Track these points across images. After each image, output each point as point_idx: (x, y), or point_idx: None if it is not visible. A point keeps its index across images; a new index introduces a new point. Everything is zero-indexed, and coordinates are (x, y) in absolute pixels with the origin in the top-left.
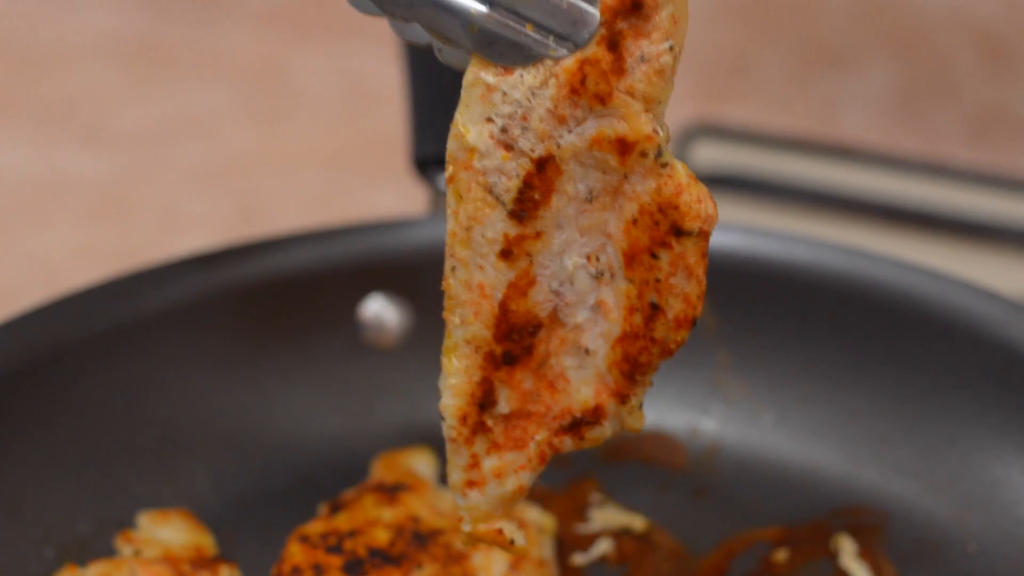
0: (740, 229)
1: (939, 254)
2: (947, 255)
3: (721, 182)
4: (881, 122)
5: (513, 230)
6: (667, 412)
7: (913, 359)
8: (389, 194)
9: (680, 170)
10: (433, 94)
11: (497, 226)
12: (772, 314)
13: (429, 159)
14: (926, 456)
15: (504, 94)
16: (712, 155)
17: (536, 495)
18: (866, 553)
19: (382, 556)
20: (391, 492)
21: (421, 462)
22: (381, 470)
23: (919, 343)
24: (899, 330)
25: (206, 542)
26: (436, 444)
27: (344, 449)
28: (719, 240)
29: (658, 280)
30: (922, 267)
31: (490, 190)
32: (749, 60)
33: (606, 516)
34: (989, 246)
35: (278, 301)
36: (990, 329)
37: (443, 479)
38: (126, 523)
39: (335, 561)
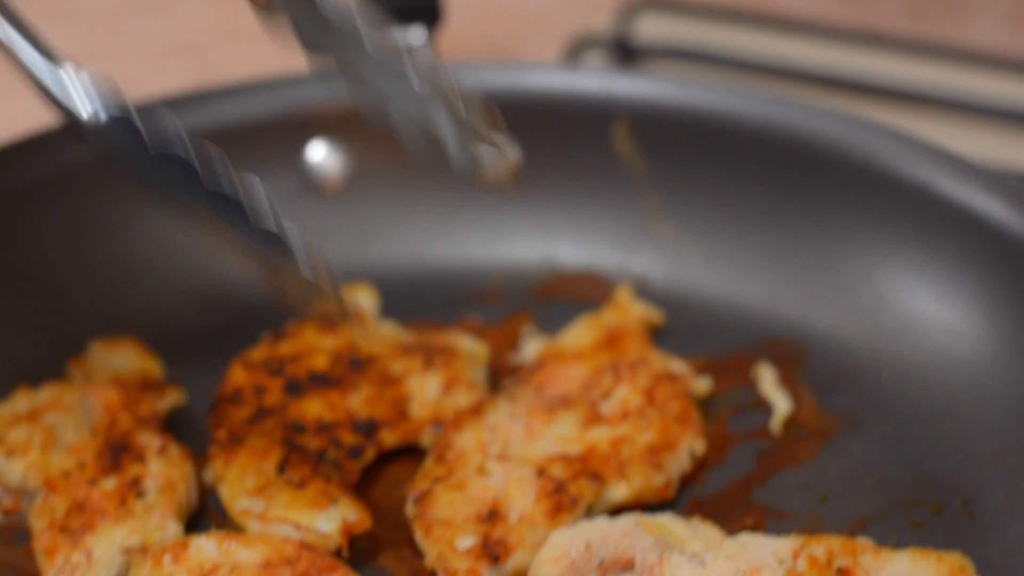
0: (667, 80)
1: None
2: (886, 122)
3: (666, 54)
4: None
5: None
6: (597, 253)
7: (833, 200)
8: None
9: None
10: None
11: None
12: (699, 160)
13: None
14: (844, 292)
15: None
16: (657, 28)
17: (471, 328)
18: (785, 381)
19: (321, 379)
20: (332, 322)
21: (362, 297)
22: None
23: (838, 184)
24: (819, 172)
25: (154, 368)
26: (376, 281)
27: None
28: (648, 90)
29: None
30: (840, 113)
31: None
32: None
33: (537, 347)
34: (925, 113)
35: (224, 148)
36: (906, 169)
37: (383, 313)
38: (78, 351)
39: (276, 383)
